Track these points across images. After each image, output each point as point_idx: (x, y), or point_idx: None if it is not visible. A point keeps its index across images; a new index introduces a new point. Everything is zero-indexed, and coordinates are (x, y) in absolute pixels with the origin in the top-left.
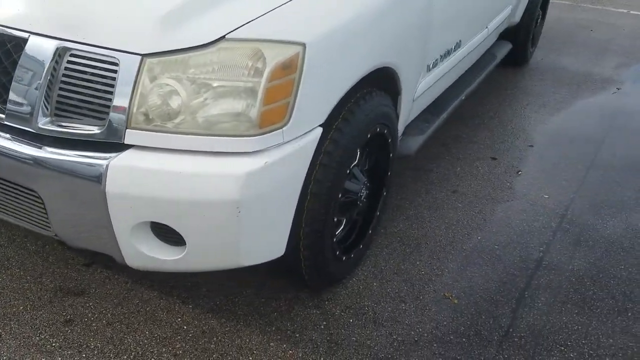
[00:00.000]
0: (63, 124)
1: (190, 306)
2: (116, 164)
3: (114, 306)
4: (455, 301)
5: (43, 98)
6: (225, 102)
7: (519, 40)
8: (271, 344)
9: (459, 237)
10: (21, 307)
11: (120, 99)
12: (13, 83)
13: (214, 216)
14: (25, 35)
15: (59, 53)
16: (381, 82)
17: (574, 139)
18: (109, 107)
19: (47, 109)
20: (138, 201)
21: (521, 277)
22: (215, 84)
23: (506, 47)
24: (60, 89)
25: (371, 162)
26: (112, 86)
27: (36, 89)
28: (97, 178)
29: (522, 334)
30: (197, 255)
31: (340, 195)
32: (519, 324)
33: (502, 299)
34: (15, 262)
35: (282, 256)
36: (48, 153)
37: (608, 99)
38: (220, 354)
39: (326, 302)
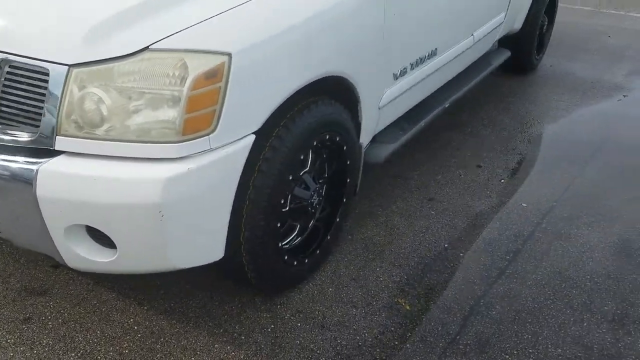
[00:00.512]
0: (7, 131)
1: (145, 307)
2: (46, 168)
3: (72, 306)
4: (407, 307)
5: None
6: (149, 110)
7: (522, 48)
8: (216, 345)
9: (424, 245)
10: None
11: (49, 107)
12: None
13: (138, 219)
14: None
15: (0, 65)
16: (335, 90)
17: (567, 147)
18: (41, 114)
19: None
20: (67, 205)
21: (480, 285)
22: (139, 93)
23: (503, 55)
24: (1, 98)
25: (330, 170)
26: (44, 95)
27: None
28: (29, 182)
29: (469, 342)
30: (129, 258)
31: (283, 201)
32: (467, 331)
33: (456, 306)
34: None
35: (225, 260)
36: None
37: (612, 106)
38: (165, 354)
39: (278, 306)
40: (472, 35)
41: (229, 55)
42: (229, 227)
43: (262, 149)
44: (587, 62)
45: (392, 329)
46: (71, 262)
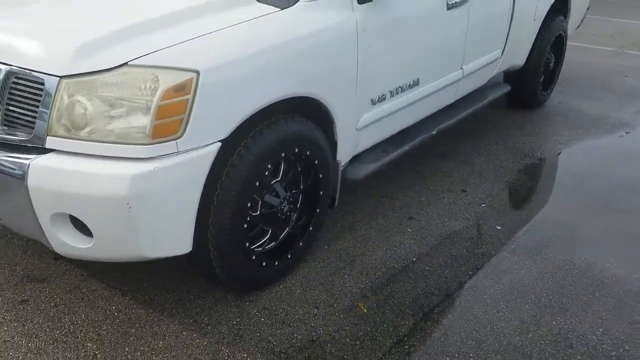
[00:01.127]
0: (9, 132)
1: (127, 297)
2: (36, 163)
3: (64, 292)
4: (365, 310)
5: None
6: (125, 116)
7: (526, 84)
8: (184, 332)
9: (394, 258)
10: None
11: (42, 111)
12: None
13: (109, 210)
14: None
15: (7, 75)
16: (309, 110)
17: (555, 178)
18: (35, 118)
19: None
20: (52, 195)
21: (438, 296)
22: (117, 101)
23: (502, 89)
24: (7, 104)
25: (306, 182)
26: (39, 101)
27: None
28: (22, 174)
29: (414, 343)
30: (103, 245)
31: (250, 205)
32: (415, 334)
33: (411, 312)
34: (0, 253)
35: (195, 255)
36: None
37: (611, 142)
38: (137, 337)
39: (247, 303)
40: (461, 69)
41: (197, 72)
42: (196, 223)
43: (230, 156)
44: (598, 100)
45: (347, 328)
46: (57, 248)
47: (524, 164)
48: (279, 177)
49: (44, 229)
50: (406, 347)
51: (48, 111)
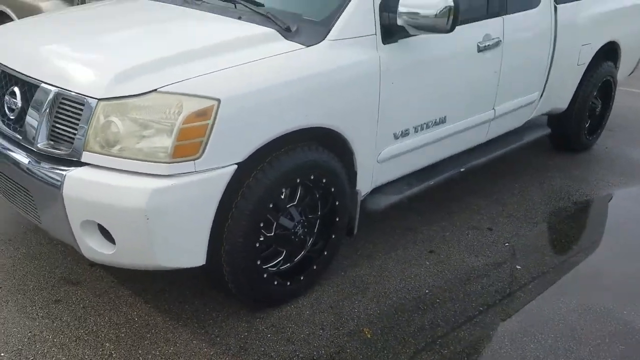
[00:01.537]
0: (54, 146)
1: (149, 305)
2: (71, 175)
3: (94, 296)
4: (369, 336)
5: (44, 126)
6: (150, 136)
7: (569, 128)
8: (194, 341)
9: (407, 288)
10: (31, 286)
11: (81, 129)
12: (27, 116)
13: (129, 220)
14: (35, 82)
15: (55, 96)
16: (329, 141)
17: (586, 224)
18: (75, 134)
19: (45, 134)
20: (83, 203)
21: (444, 328)
22: (144, 123)
23: (540, 132)
24: (54, 121)
25: (324, 208)
26: (79, 119)
27: (40, 120)
28: (59, 184)
29: None
30: (124, 253)
31: (263, 225)
32: None
33: (414, 341)
34: (44, 256)
35: (209, 268)
36: (35, 164)
37: None
38: (151, 342)
39: (257, 320)
40: (494, 109)
41: (219, 100)
42: (210, 239)
43: (246, 178)
44: None
45: (348, 350)
46: (85, 252)
47: (557, 207)
48: (295, 202)
49: (75, 234)
50: None
51: (86, 129)
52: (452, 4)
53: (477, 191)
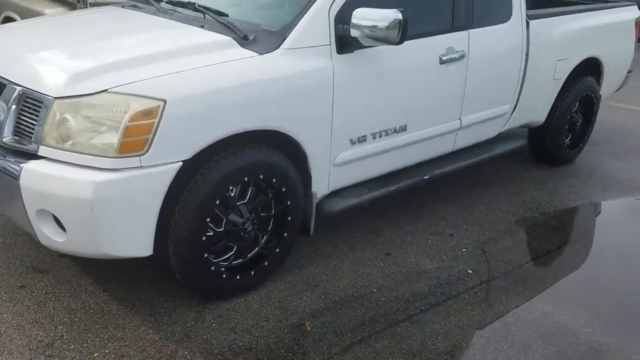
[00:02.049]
0: (18, 140)
1: (107, 294)
2: (27, 167)
3: (57, 283)
4: (309, 328)
5: (9, 122)
6: (99, 133)
7: (548, 141)
8: (142, 327)
9: (356, 287)
10: (2, 274)
11: (39, 125)
12: None
13: (76, 209)
14: (4, 81)
15: (20, 94)
16: (281, 143)
17: (546, 233)
18: (33, 130)
19: (10, 130)
20: (37, 193)
21: (382, 324)
22: (94, 120)
23: (514, 143)
24: (18, 117)
25: (278, 208)
26: (37, 116)
27: (6, 116)
28: (17, 175)
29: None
30: (74, 240)
31: (209, 220)
32: (346, 353)
33: (350, 335)
34: (18, 246)
35: (157, 259)
36: (0, 157)
37: (624, 204)
38: (102, 326)
39: (206, 310)
40: (460, 119)
41: (165, 101)
42: (157, 231)
43: (193, 175)
44: (630, 164)
45: (286, 341)
46: (41, 239)
47: (523, 217)
48: (245, 200)
49: (32, 222)
50: None
51: (43, 125)
52: (401, 17)
53: (448, 199)
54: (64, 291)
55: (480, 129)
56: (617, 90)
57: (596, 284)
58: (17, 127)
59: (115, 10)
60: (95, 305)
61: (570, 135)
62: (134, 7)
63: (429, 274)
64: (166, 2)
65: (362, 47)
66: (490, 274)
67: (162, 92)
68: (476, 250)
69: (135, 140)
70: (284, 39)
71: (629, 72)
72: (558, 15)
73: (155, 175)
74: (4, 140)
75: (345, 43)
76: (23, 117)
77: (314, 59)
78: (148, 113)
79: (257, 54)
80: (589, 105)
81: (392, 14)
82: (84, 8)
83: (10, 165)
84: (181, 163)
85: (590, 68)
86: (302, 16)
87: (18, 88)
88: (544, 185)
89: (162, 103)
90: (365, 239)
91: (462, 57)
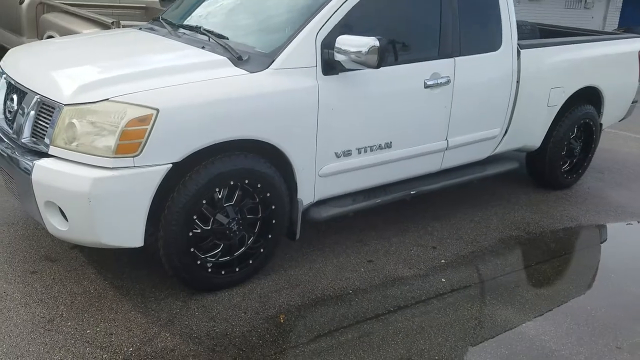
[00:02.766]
0: (35, 141)
1: (106, 282)
2: (38, 163)
3: (65, 271)
4: (282, 321)
5: (28, 125)
6: (100, 136)
7: (544, 166)
8: (132, 312)
9: (334, 288)
10: (17, 259)
11: (51, 128)
12: (17, 116)
13: (76, 202)
14: (27, 91)
15: (38, 101)
16: (269, 152)
17: (527, 251)
18: (46, 131)
19: (28, 131)
20: (45, 186)
21: (350, 320)
22: (96, 125)
23: (506, 166)
24: (35, 121)
25: (265, 211)
26: (50, 120)
27: (25, 120)
28: (30, 170)
29: (305, 350)
30: (75, 230)
31: (196, 217)
32: (310, 344)
33: (319, 327)
34: (36, 238)
35: (148, 250)
36: (20, 155)
37: (611, 228)
38: (98, 309)
39: (192, 300)
40: (446, 140)
41: (158, 110)
42: (148, 224)
43: (183, 176)
44: (631, 191)
45: (259, 330)
46: (48, 228)
47: (509, 235)
48: (232, 202)
49: (41, 212)
50: (297, 351)
51: (54, 128)
52: (378, 44)
53: (439, 216)
54: (70, 278)
55: (469, 150)
56: (621, 120)
57: (564, 300)
58: (34, 129)
59: (134, 32)
60: (95, 291)
61: (569, 161)
62: (151, 29)
63: (404, 280)
64: (177, 26)
65: (346, 69)
66: (462, 284)
67: (156, 102)
68: (455, 262)
69: (130, 143)
70: (273, 60)
71: (634, 102)
72: (551, 46)
73: (146, 174)
74: (22, 140)
75: (330, 66)
76: (39, 121)
77: (300, 79)
78: (142, 120)
79: (247, 72)
80: (589, 133)
81: (371, 41)
82: (116, 29)
83: (26, 162)
84: (171, 165)
85: (589, 97)
86: (292, 41)
87: (37, 96)
88: (538, 207)
89: (155, 112)
90: (351, 247)
91: (447, 82)
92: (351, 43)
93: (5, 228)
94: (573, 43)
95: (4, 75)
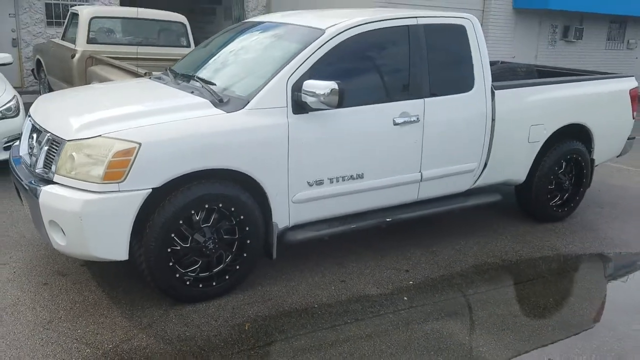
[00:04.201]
0: (45, 170)
1: (104, 293)
2: (44, 189)
3: (71, 284)
4: (247, 328)
5: (41, 158)
6: (92, 165)
7: (530, 200)
8: (119, 317)
9: (302, 302)
10: (34, 273)
11: (56, 160)
12: (34, 151)
13: (70, 220)
14: (42, 130)
15: (49, 138)
16: (243, 179)
17: (496, 276)
18: (52, 163)
19: (42, 163)
20: (49, 208)
21: (308, 329)
22: (90, 156)
23: (488, 198)
24: (46, 155)
25: (241, 232)
26: (55, 153)
27: (39, 153)
28: (38, 194)
29: (259, 352)
30: (72, 244)
31: (173, 235)
32: (267, 346)
33: (278, 334)
34: (53, 256)
35: (132, 263)
36: (33, 183)
37: (587, 259)
38: (91, 314)
39: (172, 310)
40: (420, 172)
41: (140, 144)
42: (132, 241)
43: (162, 199)
44: (626, 224)
45: (223, 335)
46: (52, 244)
47: (483, 262)
48: (209, 223)
49: (47, 230)
50: (252, 352)
51: (58, 160)
52: (337, 87)
53: (420, 243)
54: (74, 289)
55: (446, 182)
56: (619, 156)
57: (514, 319)
58: (45, 161)
59: (144, 81)
60: (92, 300)
61: (559, 195)
62: (159, 78)
63: (369, 298)
64: (179, 75)
65: (314, 109)
66: (421, 302)
67: (139, 138)
68: (422, 283)
69: (116, 171)
70: (248, 102)
71: (631, 138)
72: (529, 86)
73: (129, 197)
74: (37, 171)
75: (300, 106)
76: (49, 155)
77: (271, 117)
78: (127, 152)
79: (224, 112)
80: (579, 168)
81: (331, 85)
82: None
83: (36, 188)
84: (151, 190)
85: (577, 133)
86: (265, 85)
87: (48, 134)
88: (523, 238)
89: (138, 145)
90: (329, 268)
91: (416, 120)
92: (315, 86)
93: (30, 248)
94: (555, 83)
95: (29, 118)
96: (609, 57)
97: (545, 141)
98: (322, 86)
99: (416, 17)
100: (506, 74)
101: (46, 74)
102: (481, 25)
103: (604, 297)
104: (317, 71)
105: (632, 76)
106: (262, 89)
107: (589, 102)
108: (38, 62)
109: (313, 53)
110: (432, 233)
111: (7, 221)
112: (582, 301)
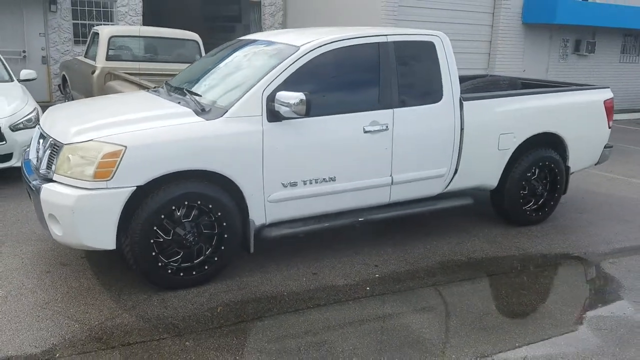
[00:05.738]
0: (47, 170)
1: (99, 281)
2: (44, 186)
3: (71, 272)
4: (219, 310)
5: (45, 160)
6: (85, 166)
7: (503, 204)
8: (108, 300)
9: (274, 292)
10: (40, 263)
11: (55, 161)
12: (39, 154)
13: (64, 212)
14: (47, 135)
15: (51, 142)
16: (221, 180)
17: (459, 272)
18: (53, 164)
19: (45, 165)
20: (48, 202)
21: (273, 312)
22: (83, 157)
23: (460, 201)
24: (49, 157)
25: (220, 228)
26: (55, 156)
27: (43, 156)
28: (39, 191)
29: (227, 333)
30: (67, 235)
31: (156, 228)
32: (234, 326)
33: (244, 315)
34: (58, 249)
35: (119, 252)
36: (38, 182)
37: (551, 259)
38: (85, 297)
39: (155, 295)
40: (391, 176)
41: (126, 147)
42: (119, 232)
43: (146, 196)
44: (598, 228)
45: (198, 316)
46: (52, 235)
47: (450, 259)
48: (190, 218)
49: (47, 223)
50: (221, 330)
51: (56, 161)
52: (304, 97)
53: (395, 243)
54: (72, 276)
55: (418, 185)
56: (597, 164)
57: (464, 305)
58: (47, 162)
59: (142, 93)
60: (87, 286)
61: (533, 200)
62: (155, 91)
63: (334, 288)
64: (173, 87)
65: (286, 118)
66: (381, 292)
67: (125, 141)
68: (387, 277)
69: (105, 170)
70: (227, 111)
71: (608, 147)
72: (498, 97)
73: (115, 193)
74: (41, 171)
75: (274, 115)
76: (51, 157)
77: (247, 124)
78: (114, 154)
79: (203, 120)
80: (553, 175)
81: (300, 95)
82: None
83: (38, 185)
84: (135, 187)
85: (550, 142)
86: (243, 97)
87: (51, 139)
88: (494, 239)
89: (124, 148)
90: (305, 263)
91: (385, 129)
92: (286, 97)
93: (38, 243)
94: (525, 94)
95: (39, 126)
96: (623, 70)
97: (516, 149)
98: (292, 97)
99: (386, 35)
100: (489, 87)
101: (70, 89)
102: (490, 40)
103: (554, 292)
104: (291, 84)
105: (608, 87)
106: (239, 99)
107: (561, 112)
108: (64, 78)
109: (287, 67)
110: (409, 233)
111: (21, 219)
112: (532, 294)
